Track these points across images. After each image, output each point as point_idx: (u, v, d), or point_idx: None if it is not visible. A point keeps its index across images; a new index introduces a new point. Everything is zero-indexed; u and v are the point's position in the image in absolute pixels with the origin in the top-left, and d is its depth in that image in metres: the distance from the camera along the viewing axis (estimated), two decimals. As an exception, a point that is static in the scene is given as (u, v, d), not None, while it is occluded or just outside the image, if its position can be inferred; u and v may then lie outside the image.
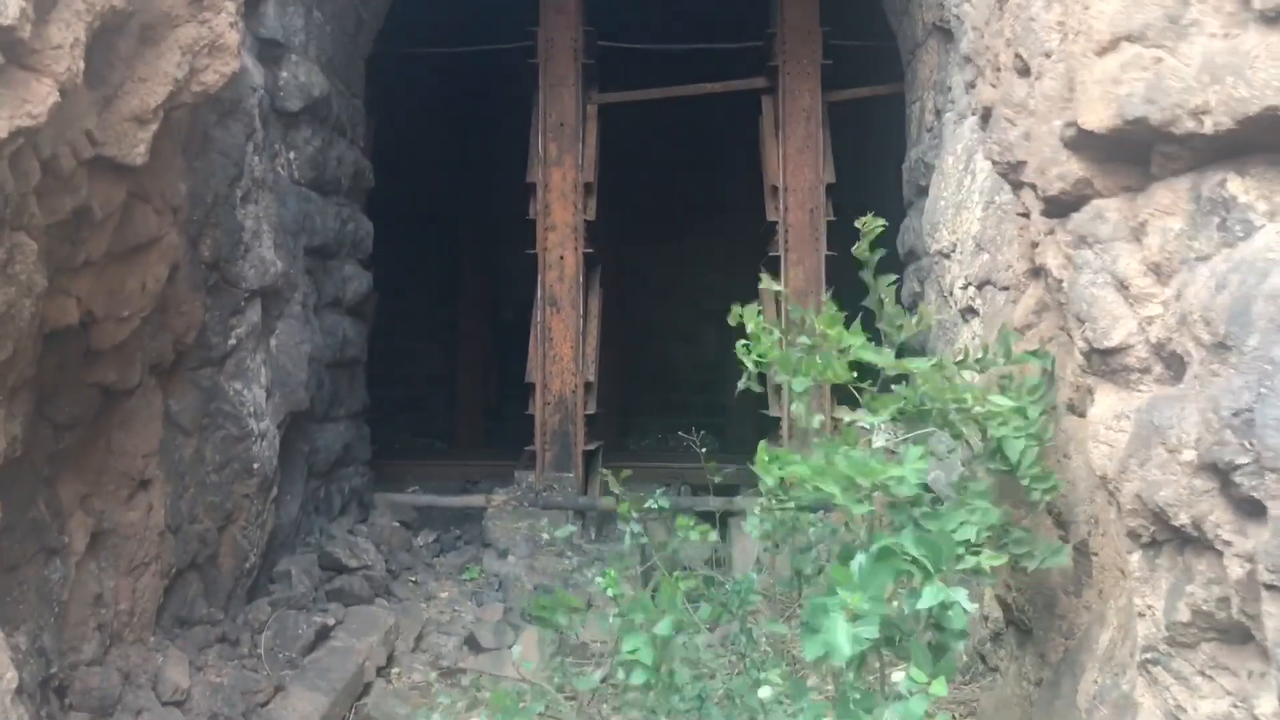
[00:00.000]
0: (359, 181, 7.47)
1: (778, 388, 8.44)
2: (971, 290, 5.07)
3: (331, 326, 6.87)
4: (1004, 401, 3.64)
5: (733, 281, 13.17)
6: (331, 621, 5.45)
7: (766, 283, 4.33)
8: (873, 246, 4.18)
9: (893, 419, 3.86)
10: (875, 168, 9.60)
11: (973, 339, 5.05)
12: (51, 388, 3.62)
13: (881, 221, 4.05)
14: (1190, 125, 2.64)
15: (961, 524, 3.34)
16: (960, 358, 4.08)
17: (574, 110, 8.57)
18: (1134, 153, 2.95)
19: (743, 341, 4.14)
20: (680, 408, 13.64)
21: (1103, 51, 2.95)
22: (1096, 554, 3.69)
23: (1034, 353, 3.93)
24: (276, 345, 5.76)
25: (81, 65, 2.77)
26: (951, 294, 5.40)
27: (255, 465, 5.22)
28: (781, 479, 3.44)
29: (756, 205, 9.30)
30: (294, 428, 6.04)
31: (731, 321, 4.17)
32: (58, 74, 2.66)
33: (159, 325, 4.34)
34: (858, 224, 4.15)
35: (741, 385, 4.14)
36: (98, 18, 2.91)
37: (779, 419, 8.36)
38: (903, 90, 7.73)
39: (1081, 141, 3.06)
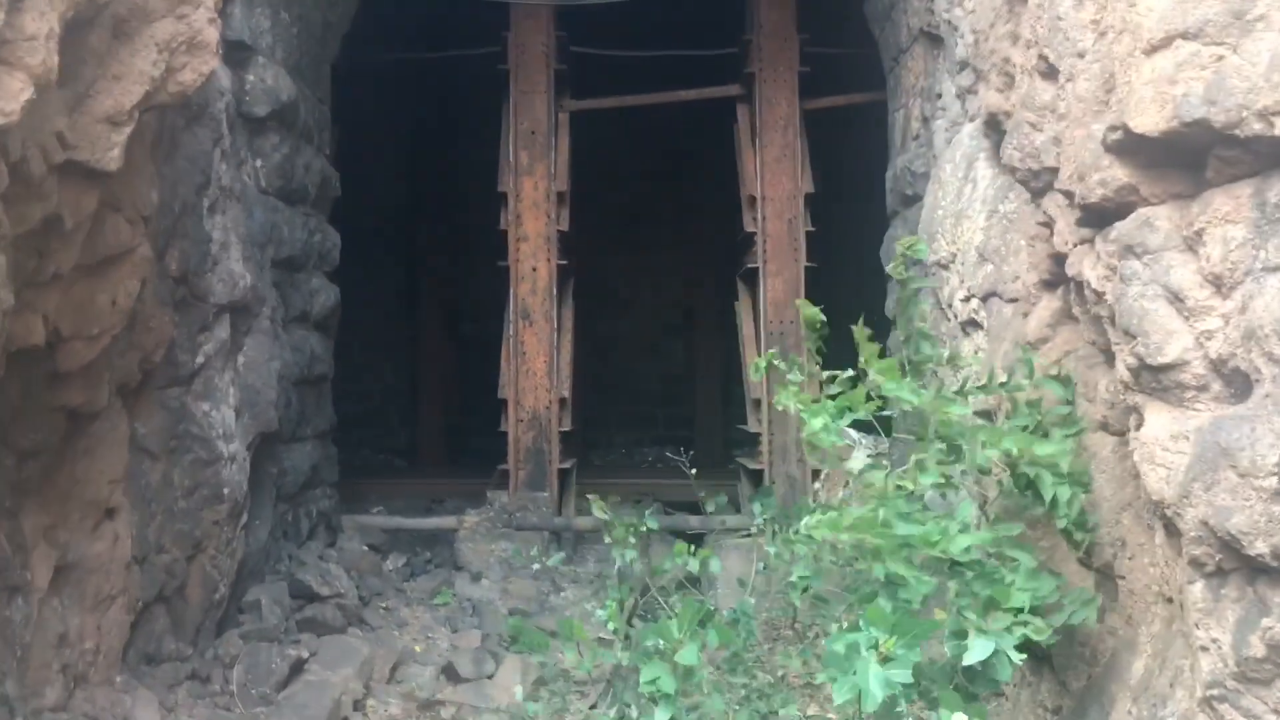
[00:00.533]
0: (326, 190, 7.19)
1: (756, 402, 8.31)
2: (974, 303, 4.92)
3: (299, 342, 6.59)
4: (1048, 448, 3.49)
5: (699, 293, 13.14)
6: (305, 654, 5.17)
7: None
8: (906, 268, 4.03)
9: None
10: (851, 177, 9.49)
11: (976, 353, 4.89)
12: (14, 413, 3.34)
13: (922, 242, 3.90)
14: (1257, 127, 2.49)
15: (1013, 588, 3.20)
16: (983, 382, 3.91)
17: (546, 118, 8.36)
18: (1186, 157, 2.80)
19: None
20: (645, 421, 13.45)
21: (1153, 50, 2.79)
22: (1124, 577, 3.53)
23: (1057, 377, 3.78)
24: (245, 363, 5.47)
25: (56, 59, 2.52)
26: (951, 306, 5.25)
27: (225, 490, 4.94)
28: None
29: (726, 214, 9.16)
30: (263, 449, 5.75)
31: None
32: (32, 68, 2.40)
33: (126, 343, 4.06)
34: (898, 245, 3.99)
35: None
36: (71, 7, 2.65)
37: (757, 435, 8.22)
38: (884, 98, 7.60)
39: (1128, 146, 2.90)
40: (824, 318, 4.33)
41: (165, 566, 4.59)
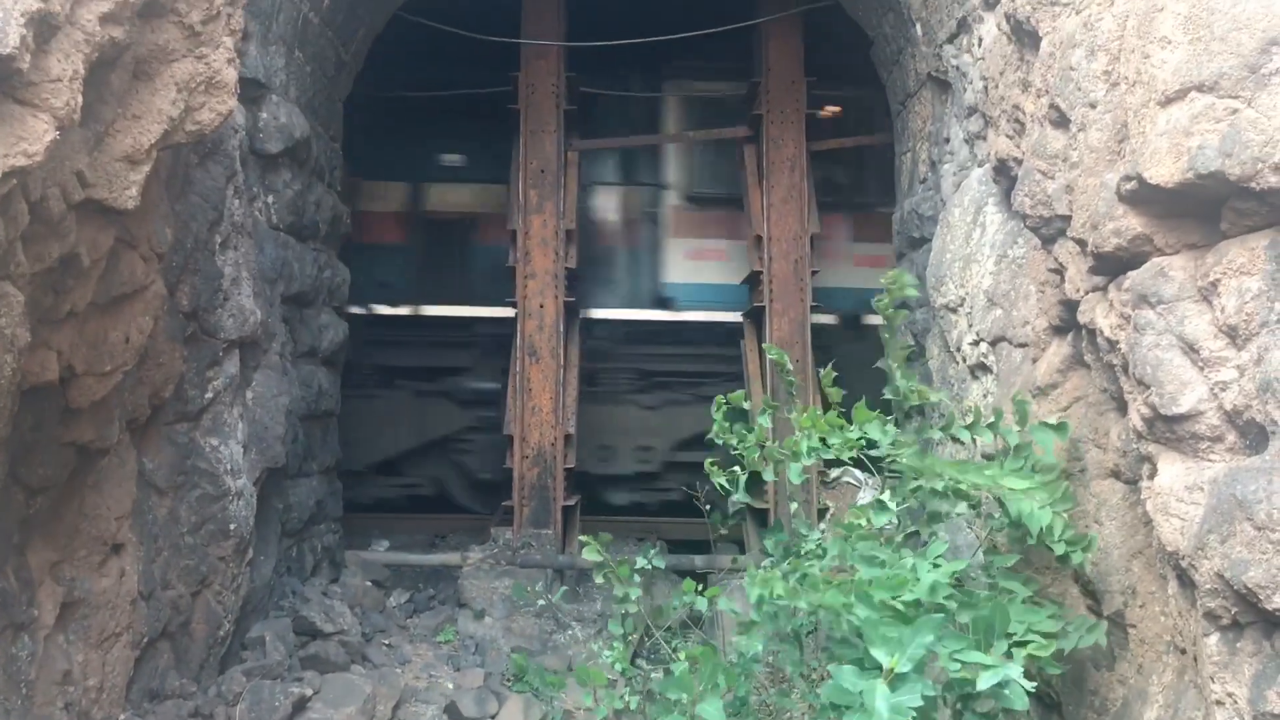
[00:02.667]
0: (336, 226, 7.22)
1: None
2: (984, 346, 4.92)
3: (307, 377, 6.59)
4: (1019, 483, 3.49)
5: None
6: (309, 692, 5.13)
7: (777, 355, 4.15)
8: (893, 305, 4.03)
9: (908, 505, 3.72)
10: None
11: (985, 397, 4.89)
12: (26, 449, 3.33)
13: (912, 279, 3.91)
14: (1273, 180, 2.50)
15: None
16: (969, 421, 3.92)
17: (555, 157, 8.41)
18: (1201, 208, 2.81)
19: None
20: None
21: (1168, 102, 2.81)
22: (1134, 626, 3.50)
23: (1051, 425, 3.77)
24: (253, 398, 5.47)
25: (80, 101, 2.54)
26: (959, 349, 5.25)
27: (232, 526, 4.92)
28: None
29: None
30: (269, 484, 5.74)
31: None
32: (56, 110, 2.42)
33: (136, 379, 4.07)
34: (883, 280, 4.00)
35: (737, 499, 3.99)
36: (96, 49, 2.67)
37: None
38: (890, 140, 7.64)
39: (1143, 196, 2.91)
40: (789, 364, 4.36)
41: (171, 602, 4.57)
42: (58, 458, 3.56)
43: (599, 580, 4.51)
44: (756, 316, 8.66)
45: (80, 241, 3.02)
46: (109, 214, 3.15)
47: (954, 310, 5.35)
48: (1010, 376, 4.60)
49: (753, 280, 8.78)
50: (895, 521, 3.65)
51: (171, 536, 4.59)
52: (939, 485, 3.57)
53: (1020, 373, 4.50)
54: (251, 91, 5.62)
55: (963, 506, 3.77)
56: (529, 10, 8.69)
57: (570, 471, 8.26)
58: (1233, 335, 2.69)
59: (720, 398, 4.47)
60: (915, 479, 3.68)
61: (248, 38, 5.44)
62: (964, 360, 5.21)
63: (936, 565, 3.15)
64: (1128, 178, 2.95)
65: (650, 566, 5.62)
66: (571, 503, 8.27)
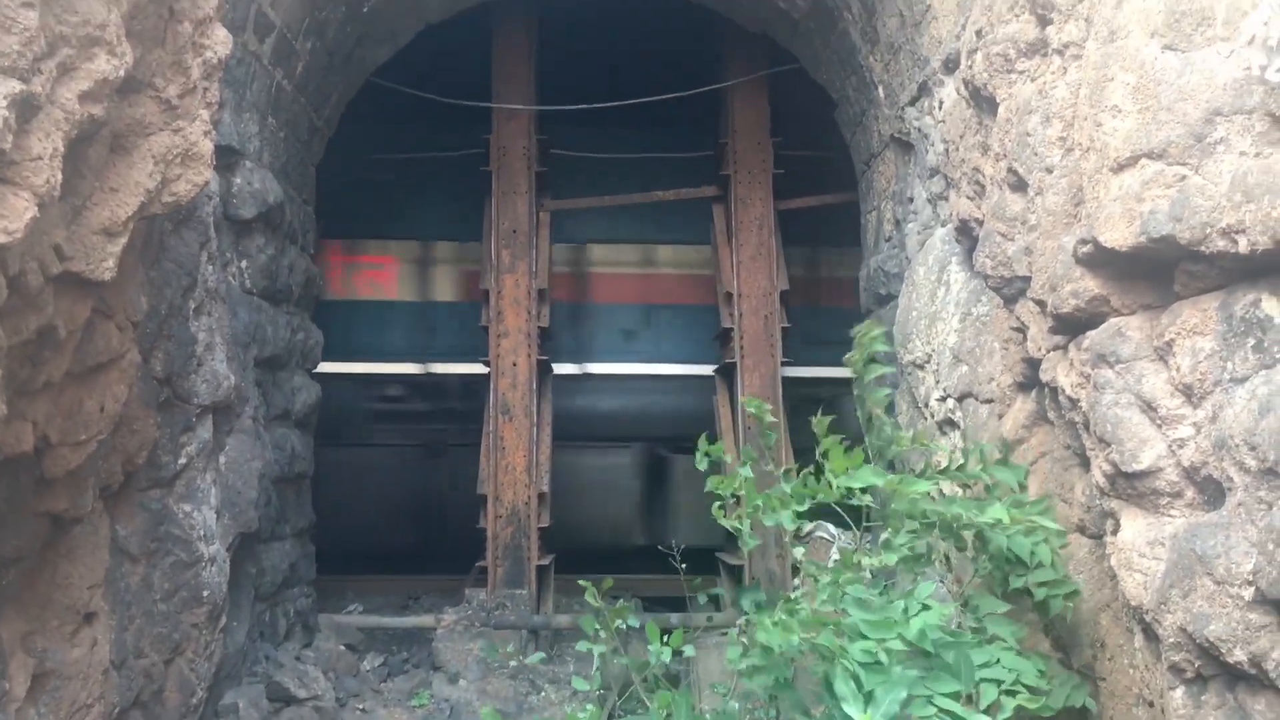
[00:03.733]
0: (310, 289, 7.26)
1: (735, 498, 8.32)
2: (950, 402, 5.00)
3: (280, 440, 6.58)
4: (993, 512, 3.54)
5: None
6: (283, 760, 5.08)
7: (756, 408, 4.21)
8: (867, 360, 4.10)
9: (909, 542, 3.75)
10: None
11: (953, 451, 4.96)
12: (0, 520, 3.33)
13: (880, 331, 3.99)
14: (1221, 244, 2.59)
15: (989, 664, 3.21)
16: (943, 467, 3.98)
17: (527, 217, 8.51)
18: (1155, 270, 2.90)
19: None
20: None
21: (1120, 168, 2.92)
22: (1104, 679, 3.55)
23: (1007, 465, 3.83)
24: (226, 463, 5.46)
25: (59, 178, 2.58)
26: (927, 405, 5.33)
27: (205, 593, 4.90)
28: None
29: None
30: (242, 549, 5.71)
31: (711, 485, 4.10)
32: (36, 187, 2.46)
33: (110, 446, 4.06)
34: (854, 335, 4.08)
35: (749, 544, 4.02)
36: (75, 127, 2.72)
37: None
38: (856, 199, 7.79)
39: (1099, 258, 3.01)
40: (772, 416, 4.41)
41: (143, 671, 4.53)
42: (31, 528, 3.56)
43: (582, 641, 4.50)
44: (728, 372, 8.73)
45: (58, 313, 3.05)
46: (86, 285, 3.18)
47: (921, 367, 5.44)
48: (977, 432, 4.68)
49: (724, 336, 8.87)
50: (887, 565, 3.67)
51: (144, 604, 4.56)
52: (935, 517, 3.60)
53: (987, 428, 4.58)
54: (226, 158, 5.68)
55: (951, 549, 3.83)
56: (500, 74, 8.83)
57: (544, 530, 8.25)
58: (1188, 394, 2.77)
59: (703, 440, 4.52)
60: (912, 519, 3.71)
61: (222, 106, 5.49)
62: (932, 416, 5.29)
63: (926, 608, 3.18)
64: (1083, 241, 3.05)
65: (625, 626, 5.63)
66: (546, 562, 8.25)
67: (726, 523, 3.89)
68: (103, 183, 3.18)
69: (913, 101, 5.98)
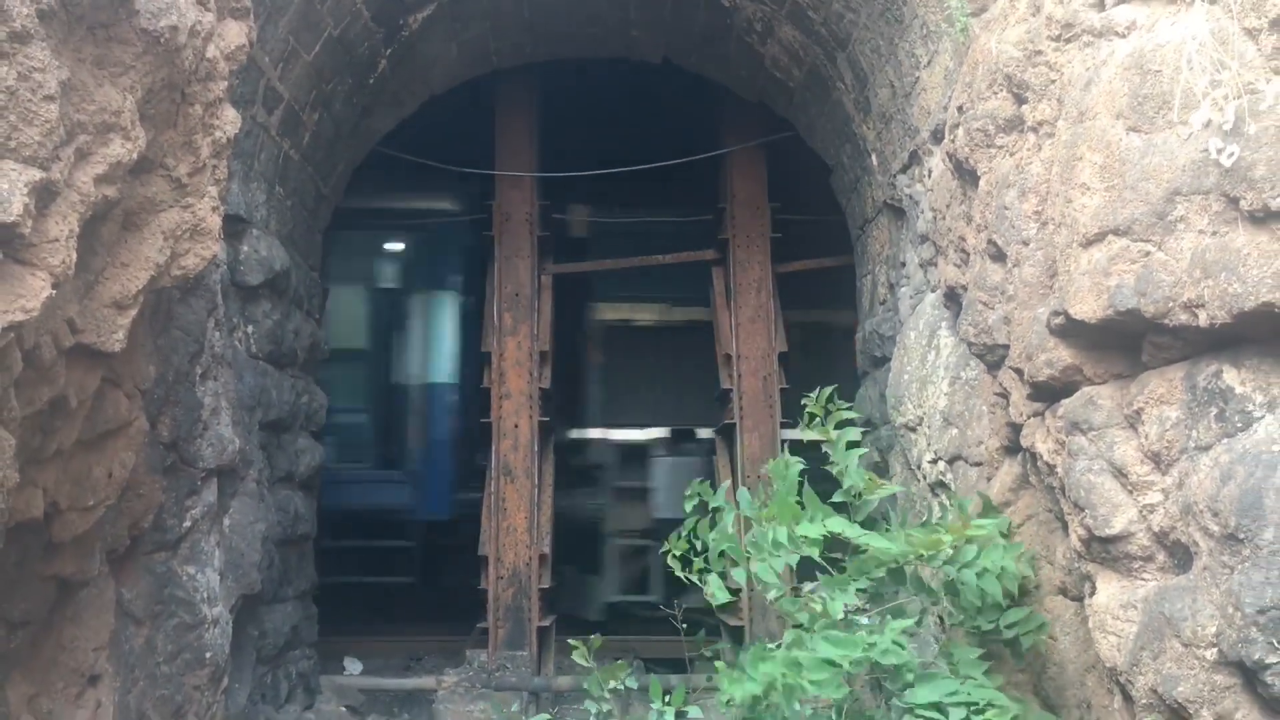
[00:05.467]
0: (314, 353, 7.39)
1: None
2: (941, 465, 5.09)
3: (284, 502, 6.68)
4: (983, 523, 3.64)
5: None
6: (283, 822, 5.11)
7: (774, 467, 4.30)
8: (838, 424, 4.21)
9: (864, 589, 3.83)
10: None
11: (944, 514, 5.05)
12: (8, 584, 3.42)
13: (846, 407, 4.11)
14: (1184, 318, 2.71)
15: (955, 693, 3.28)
16: (922, 520, 4.08)
17: (529, 281, 8.66)
18: (1124, 340, 3.02)
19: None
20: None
21: (1089, 244, 3.04)
22: (1091, 739, 3.61)
23: (990, 517, 3.92)
24: (230, 525, 5.55)
25: (74, 257, 2.72)
26: (920, 468, 5.42)
27: (207, 655, 4.96)
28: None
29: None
30: (245, 610, 5.78)
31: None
32: (53, 267, 2.60)
33: (117, 511, 4.16)
34: (804, 402, 4.22)
35: (718, 598, 4.03)
36: (90, 208, 2.86)
37: (737, 590, 8.25)
38: (852, 262, 7.93)
39: (1070, 330, 3.12)
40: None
41: (144, 733, 4.59)
42: (39, 592, 3.65)
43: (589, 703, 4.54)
44: (727, 433, 8.83)
45: (69, 384, 3.17)
46: (96, 356, 3.30)
47: (913, 429, 5.53)
48: (967, 494, 4.76)
49: (723, 398, 8.98)
50: (855, 604, 3.74)
51: (148, 666, 4.63)
52: (900, 557, 3.67)
53: (976, 491, 4.66)
54: (233, 226, 5.83)
55: (923, 596, 3.90)
56: (502, 141, 9.04)
57: (545, 591, 8.30)
58: (1157, 460, 2.87)
59: (694, 483, 4.60)
60: (877, 565, 3.79)
61: (231, 176, 5.65)
62: (924, 478, 5.38)
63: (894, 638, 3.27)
64: (1056, 312, 3.17)
65: (624, 686, 5.67)
66: (547, 623, 8.29)
67: (683, 574, 3.92)
68: (114, 258, 3.32)
69: (904, 169, 6.14)
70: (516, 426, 8.43)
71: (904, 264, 6.34)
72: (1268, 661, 2.25)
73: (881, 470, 6.66)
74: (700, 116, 9.50)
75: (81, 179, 2.81)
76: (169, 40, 3.12)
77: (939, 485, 5.21)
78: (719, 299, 9.05)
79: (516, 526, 8.23)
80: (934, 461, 5.22)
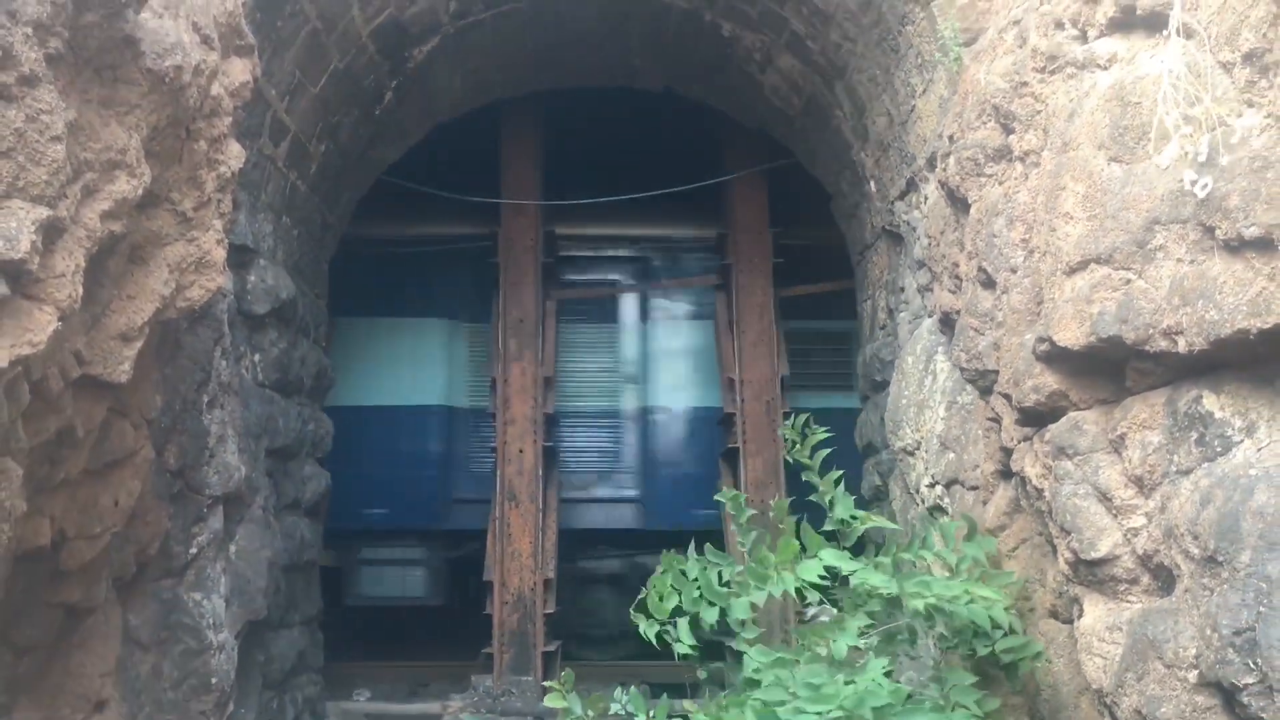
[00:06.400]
0: (321, 381, 7.47)
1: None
2: (939, 489, 5.14)
3: (290, 529, 6.74)
4: (968, 588, 3.67)
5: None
6: (287, 847, 5.15)
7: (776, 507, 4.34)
8: (815, 448, 4.26)
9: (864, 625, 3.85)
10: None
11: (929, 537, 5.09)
12: (16, 611, 3.49)
13: (822, 431, 4.16)
14: (1164, 344, 2.77)
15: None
16: (907, 545, 4.11)
17: (534, 307, 8.75)
18: (1108, 366, 3.07)
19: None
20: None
21: (1072, 271, 3.11)
22: (1086, 761, 3.64)
23: (976, 541, 3.96)
24: (236, 552, 5.62)
25: (80, 291, 2.80)
26: (918, 491, 5.46)
27: (213, 680, 5.01)
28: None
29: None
30: (251, 636, 5.84)
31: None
32: (59, 301, 2.68)
33: (124, 538, 4.23)
34: (781, 431, 4.27)
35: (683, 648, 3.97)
36: (96, 243, 2.95)
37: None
38: (853, 287, 8.00)
39: (1055, 356, 3.18)
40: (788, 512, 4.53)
41: (151, 759, 4.64)
42: (46, 618, 3.71)
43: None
44: (731, 458, 8.87)
45: (76, 414, 3.25)
46: (103, 387, 3.38)
47: (911, 454, 5.58)
48: (963, 518, 4.81)
49: (727, 422, 9.03)
50: (856, 645, 3.75)
51: (154, 692, 4.68)
52: (889, 594, 3.69)
53: (973, 514, 4.70)
54: (240, 256, 5.93)
55: (918, 622, 3.92)
56: (507, 169, 9.15)
57: (549, 616, 8.33)
58: (1140, 484, 2.92)
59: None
60: (870, 596, 3.82)
61: (237, 207, 5.76)
62: (922, 502, 5.42)
63: (874, 680, 3.29)
64: (1041, 339, 3.23)
65: (623, 712, 5.69)
66: (552, 649, 8.32)
67: (644, 632, 3.89)
68: (120, 291, 3.40)
69: (901, 196, 6.21)
70: (521, 452, 8.49)
71: (902, 289, 6.40)
72: (1243, 683, 2.29)
73: (882, 494, 6.71)
74: (702, 143, 9.60)
75: (88, 215, 2.89)
76: (174, 80, 3.21)
77: (936, 509, 5.25)
78: (722, 323, 9.12)
79: (521, 551, 8.28)
80: (931, 485, 5.27)
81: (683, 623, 3.86)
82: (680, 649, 3.85)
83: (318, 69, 6.38)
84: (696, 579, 3.88)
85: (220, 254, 3.81)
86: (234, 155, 3.89)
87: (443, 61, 7.64)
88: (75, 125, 2.79)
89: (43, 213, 2.55)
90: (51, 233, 2.65)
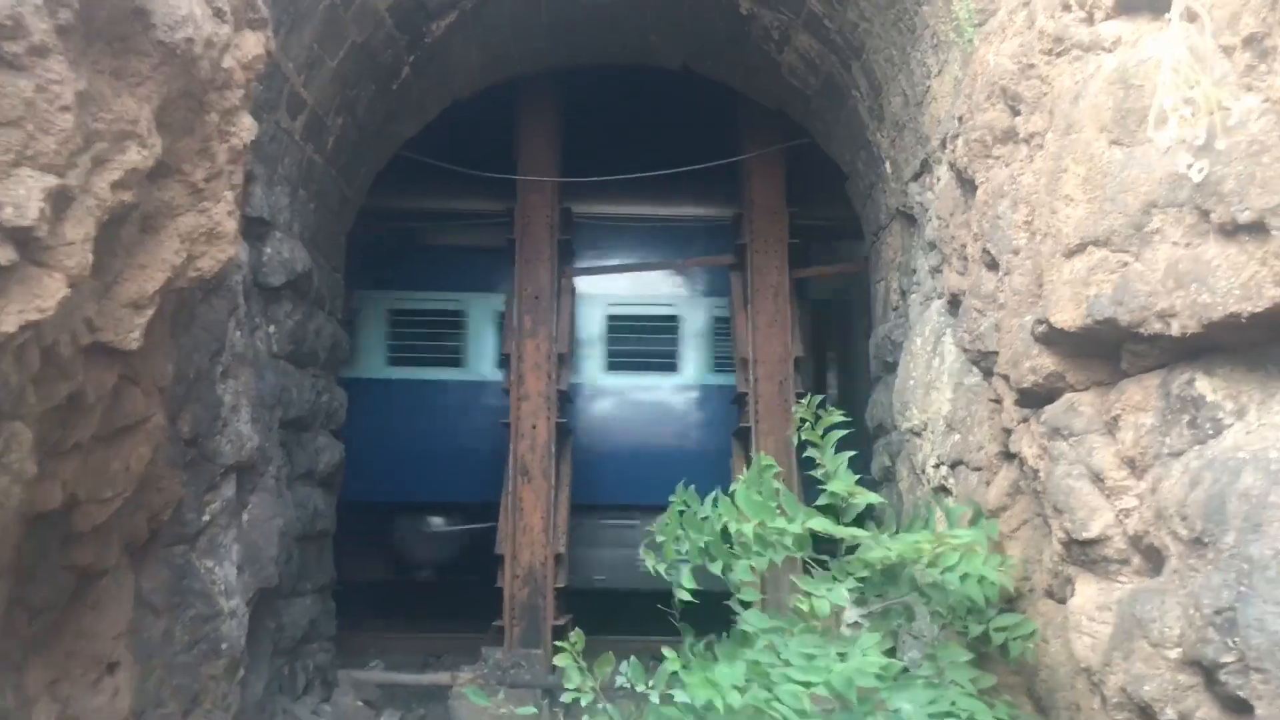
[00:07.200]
0: (335, 353, 7.55)
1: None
2: (944, 470, 5.16)
3: (303, 499, 6.83)
4: (960, 534, 3.68)
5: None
6: (295, 810, 5.25)
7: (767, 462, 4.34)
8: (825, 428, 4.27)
9: (859, 590, 3.86)
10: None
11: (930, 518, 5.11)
12: (29, 572, 3.57)
13: (838, 413, 4.17)
14: (1158, 327, 2.78)
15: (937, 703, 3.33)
16: (909, 524, 4.13)
17: (549, 283, 8.80)
18: (1103, 349, 3.08)
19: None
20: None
21: (1071, 254, 3.12)
22: (1080, 741, 3.67)
23: (979, 524, 3.97)
24: (249, 520, 5.70)
25: (90, 259, 2.85)
26: (924, 472, 5.49)
27: (224, 645, 5.11)
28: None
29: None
30: (262, 604, 5.93)
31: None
32: (69, 269, 2.73)
33: (136, 504, 4.31)
34: (794, 410, 4.28)
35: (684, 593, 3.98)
36: (107, 212, 3.00)
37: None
38: (867, 269, 8.00)
39: (1053, 337, 3.20)
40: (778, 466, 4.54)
41: (162, 720, 4.73)
42: (58, 580, 3.79)
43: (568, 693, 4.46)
44: (743, 437, 8.91)
45: (87, 380, 3.31)
46: (114, 354, 3.44)
47: (918, 434, 5.60)
48: (968, 498, 4.83)
49: (740, 401, 9.07)
50: (843, 605, 3.74)
51: (165, 655, 4.77)
52: (883, 558, 3.70)
53: (976, 495, 4.72)
54: (256, 229, 6.00)
55: (913, 597, 3.94)
56: (524, 146, 9.18)
57: (560, 590, 8.41)
58: (1132, 466, 2.94)
59: (760, 456, 4.66)
60: (864, 563, 3.83)
61: (254, 180, 5.83)
62: (928, 482, 5.44)
63: (866, 655, 3.31)
64: (1039, 321, 3.24)
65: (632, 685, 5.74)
66: (562, 622, 8.40)
67: (652, 567, 3.93)
68: (132, 260, 3.46)
69: (915, 177, 6.21)
70: (534, 427, 8.56)
71: (915, 270, 6.41)
72: (1223, 661, 2.32)
73: (891, 475, 6.73)
74: (720, 123, 9.60)
75: (99, 185, 2.94)
76: (185, 52, 3.26)
77: (941, 489, 5.27)
78: (737, 303, 9.14)
79: (532, 526, 8.35)
80: (937, 466, 5.29)
81: (685, 569, 3.90)
82: (681, 594, 3.90)
83: (335, 43, 6.43)
84: (702, 529, 3.90)
85: (232, 225, 3.86)
86: (246, 128, 3.93)
87: (460, 37, 7.67)
88: (86, 96, 2.84)
89: (52, 181, 2.60)
90: (61, 201, 2.71)
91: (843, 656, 3.26)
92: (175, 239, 3.62)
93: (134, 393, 3.82)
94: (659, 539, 3.99)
